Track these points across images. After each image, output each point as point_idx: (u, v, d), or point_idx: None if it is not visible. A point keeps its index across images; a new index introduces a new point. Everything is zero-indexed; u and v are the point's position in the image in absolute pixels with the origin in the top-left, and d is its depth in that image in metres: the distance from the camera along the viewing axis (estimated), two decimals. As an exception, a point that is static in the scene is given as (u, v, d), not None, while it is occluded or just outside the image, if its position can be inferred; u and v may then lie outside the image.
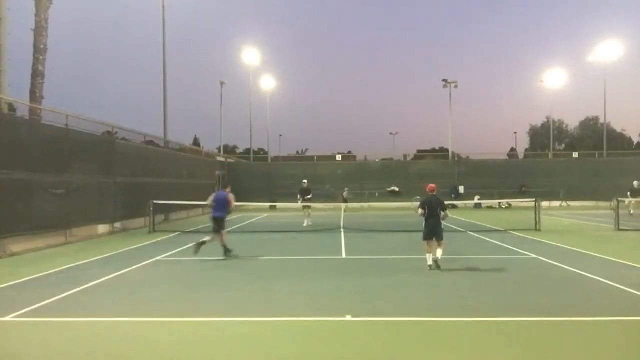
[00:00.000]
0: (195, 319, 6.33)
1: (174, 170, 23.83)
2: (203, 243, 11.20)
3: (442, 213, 9.82)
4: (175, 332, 5.86)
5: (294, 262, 11.04)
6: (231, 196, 12.10)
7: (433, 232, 9.66)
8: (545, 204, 25.98)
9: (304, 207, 20.10)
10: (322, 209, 27.67)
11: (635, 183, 24.79)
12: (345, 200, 31.18)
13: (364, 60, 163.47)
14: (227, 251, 11.43)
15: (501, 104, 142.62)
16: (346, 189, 32.42)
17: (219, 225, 11.59)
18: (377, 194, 34.25)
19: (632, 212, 23.98)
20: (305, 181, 20.59)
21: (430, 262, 9.47)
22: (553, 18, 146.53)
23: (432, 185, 10.19)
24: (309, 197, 19.71)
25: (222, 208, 11.78)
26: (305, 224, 19.37)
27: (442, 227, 9.80)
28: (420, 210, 9.82)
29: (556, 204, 32.54)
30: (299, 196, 20.03)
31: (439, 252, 9.55)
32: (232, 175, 34.67)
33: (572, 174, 34.37)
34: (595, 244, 13.37)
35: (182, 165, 25.46)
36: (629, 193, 24.44)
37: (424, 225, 9.85)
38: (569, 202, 33.26)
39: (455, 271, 9.52)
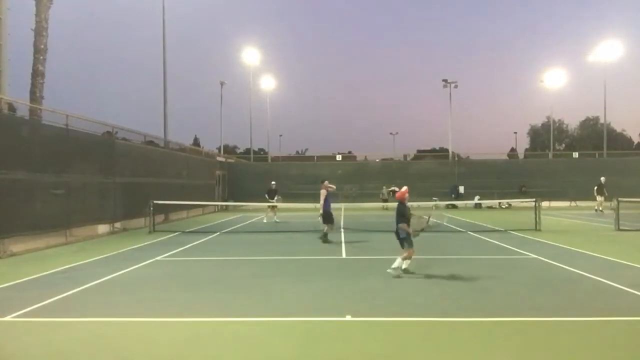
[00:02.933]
0: (195, 319, 6.33)
1: (174, 170, 23.83)
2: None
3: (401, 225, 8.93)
4: (175, 332, 5.86)
5: (294, 262, 11.04)
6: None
7: (398, 238, 9.19)
8: (545, 204, 26.03)
9: (271, 206, 21.88)
10: (365, 209, 27.81)
11: (602, 179, 25.46)
12: (385, 200, 30.65)
13: (364, 60, 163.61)
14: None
15: (501, 104, 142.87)
16: (385, 187, 31.69)
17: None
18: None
19: (597, 209, 24.88)
20: (273, 182, 22.42)
21: (404, 267, 8.97)
22: (553, 18, 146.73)
23: (400, 192, 9.37)
24: (276, 197, 21.63)
25: None
26: (265, 220, 21.30)
27: (405, 236, 8.94)
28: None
29: (556, 204, 32.48)
30: (266, 196, 21.67)
31: (400, 261, 8.85)
32: (232, 175, 34.67)
33: (572, 174, 34.35)
34: (595, 244, 13.36)
35: (182, 165, 25.45)
36: (595, 189, 25.30)
37: None
38: (577, 202, 33.12)
39: (455, 271, 9.52)
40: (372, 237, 15.84)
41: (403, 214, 9.02)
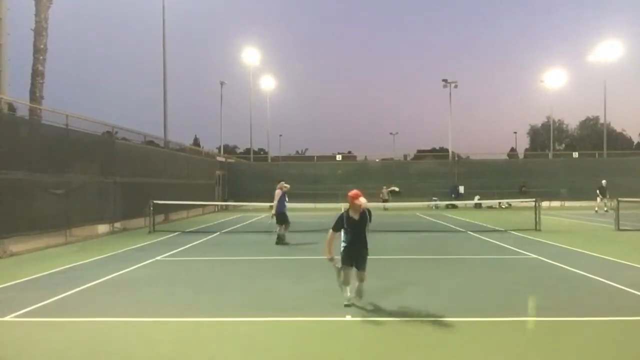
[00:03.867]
0: (195, 319, 6.33)
1: (174, 170, 23.82)
2: None
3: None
4: (175, 332, 5.85)
5: (294, 262, 11.03)
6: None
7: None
8: (545, 204, 26.08)
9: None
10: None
11: (604, 182, 25.80)
12: (385, 200, 30.14)
13: (364, 60, 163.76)
14: None
15: (501, 104, 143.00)
16: (385, 187, 31.19)
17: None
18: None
19: (597, 210, 25.19)
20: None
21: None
22: (553, 18, 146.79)
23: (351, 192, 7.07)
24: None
25: None
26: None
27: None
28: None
29: (556, 203, 32.56)
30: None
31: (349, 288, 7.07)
32: (232, 175, 34.66)
33: (572, 174, 34.37)
34: (595, 244, 13.36)
35: (182, 165, 25.45)
36: (597, 191, 25.73)
37: None
38: (565, 202, 33.42)
39: (455, 271, 9.52)
40: (371, 237, 15.80)
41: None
